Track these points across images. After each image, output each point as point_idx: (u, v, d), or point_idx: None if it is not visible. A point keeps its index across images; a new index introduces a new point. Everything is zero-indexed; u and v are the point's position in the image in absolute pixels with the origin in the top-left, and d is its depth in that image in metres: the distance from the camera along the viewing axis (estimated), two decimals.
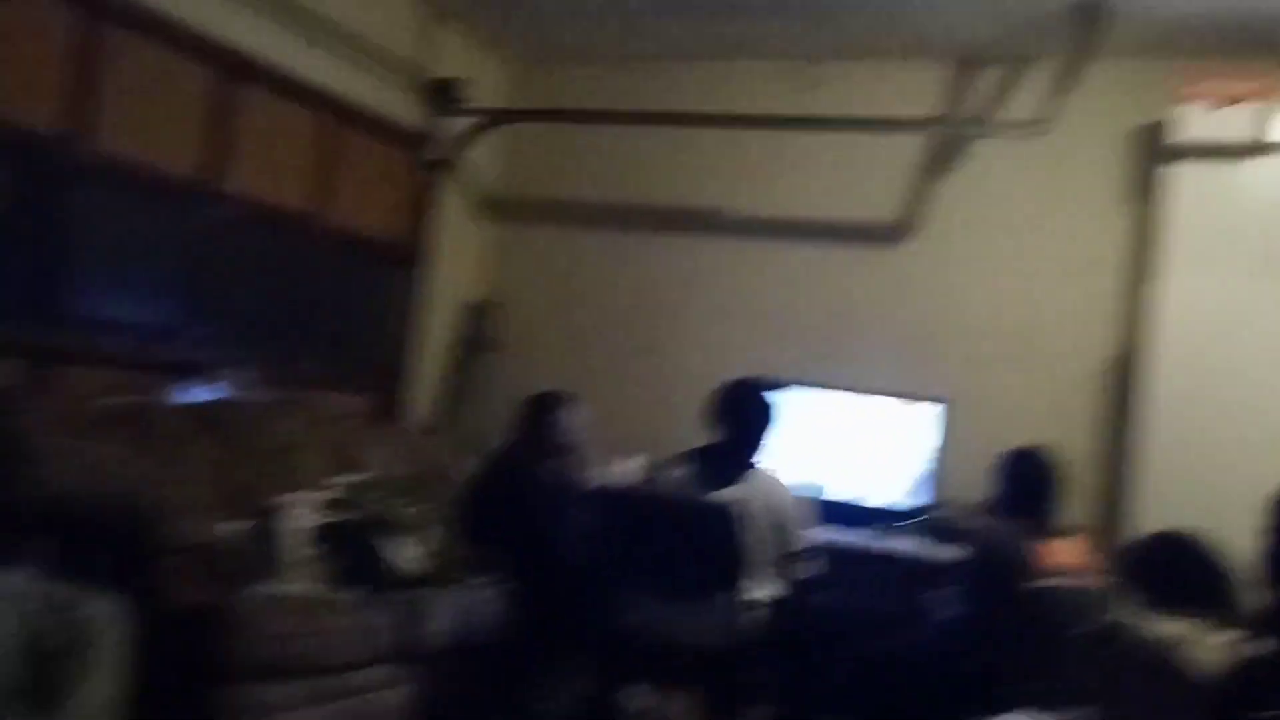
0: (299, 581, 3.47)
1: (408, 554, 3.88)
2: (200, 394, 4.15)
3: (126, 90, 3.96)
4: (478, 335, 5.79)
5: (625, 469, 4.70)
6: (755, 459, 3.83)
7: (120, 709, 2.46)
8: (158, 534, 3.00)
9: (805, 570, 3.82)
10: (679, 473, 3.86)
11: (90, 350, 3.92)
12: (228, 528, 3.38)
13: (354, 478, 4.15)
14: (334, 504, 3.91)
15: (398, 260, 5.40)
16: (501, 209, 5.95)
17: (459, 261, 5.75)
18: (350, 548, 3.70)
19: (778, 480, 3.83)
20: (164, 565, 3.00)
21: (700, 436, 3.98)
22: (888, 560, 4.44)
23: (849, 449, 4.92)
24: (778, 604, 3.77)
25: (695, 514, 3.69)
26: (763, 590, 3.74)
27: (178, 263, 4.29)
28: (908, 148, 5.22)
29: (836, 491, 4.81)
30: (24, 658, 2.31)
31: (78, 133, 3.82)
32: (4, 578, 2.45)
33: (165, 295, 4.27)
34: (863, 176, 5.35)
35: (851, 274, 5.34)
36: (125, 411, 3.72)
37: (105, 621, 2.43)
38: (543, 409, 4.32)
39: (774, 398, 3.91)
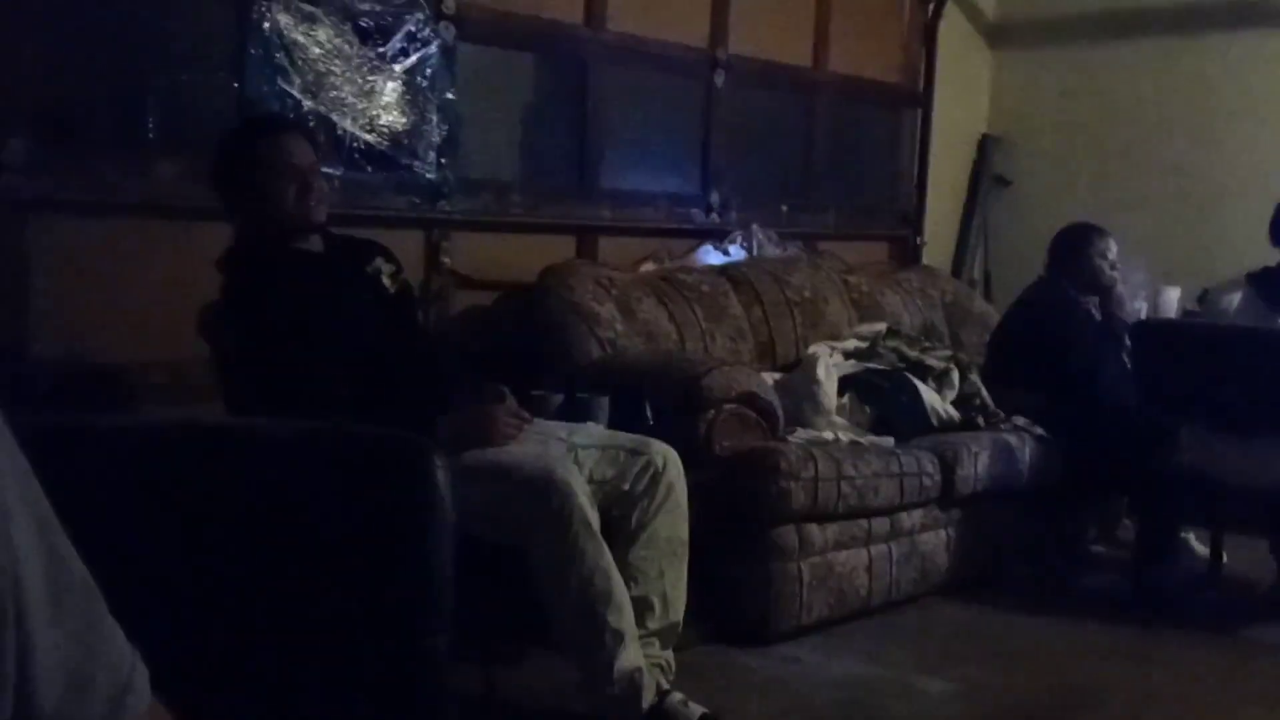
0: (834, 427, 3.56)
1: (937, 399, 3.86)
2: (725, 254, 4.33)
3: None
4: (988, 171, 5.55)
5: (1167, 301, 4.33)
6: None
7: (683, 546, 2.65)
8: (702, 387, 3.17)
9: None
10: (1235, 299, 3.49)
11: (622, 222, 4.19)
12: (763, 378, 3.51)
13: (878, 325, 4.17)
14: (861, 352, 3.96)
15: (902, 101, 5.26)
16: (1005, 35, 5.60)
17: (964, 96, 5.51)
18: (880, 394, 3.73)
19: None
20: (709, 416, 3.18)
21: (1253, 257, 3.57)
22: None
23: None
24: None
25: (1270, 342, 3.31)
26: None
27: (691, 131, 4.45)
28: None
29: None
30: (606, 497, 2.55)
31: (592, 18, 4.04)
32: (584, 428, 2.71)
33: (683, 164, 4.46)
34: None
35: None
36: (661, 276, 3.96)
37: (668, 466, 2.62)
38: (1074, 244, 4.07)
39: None
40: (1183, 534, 3.97)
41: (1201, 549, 3.92)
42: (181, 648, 1.14)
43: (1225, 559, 3.86)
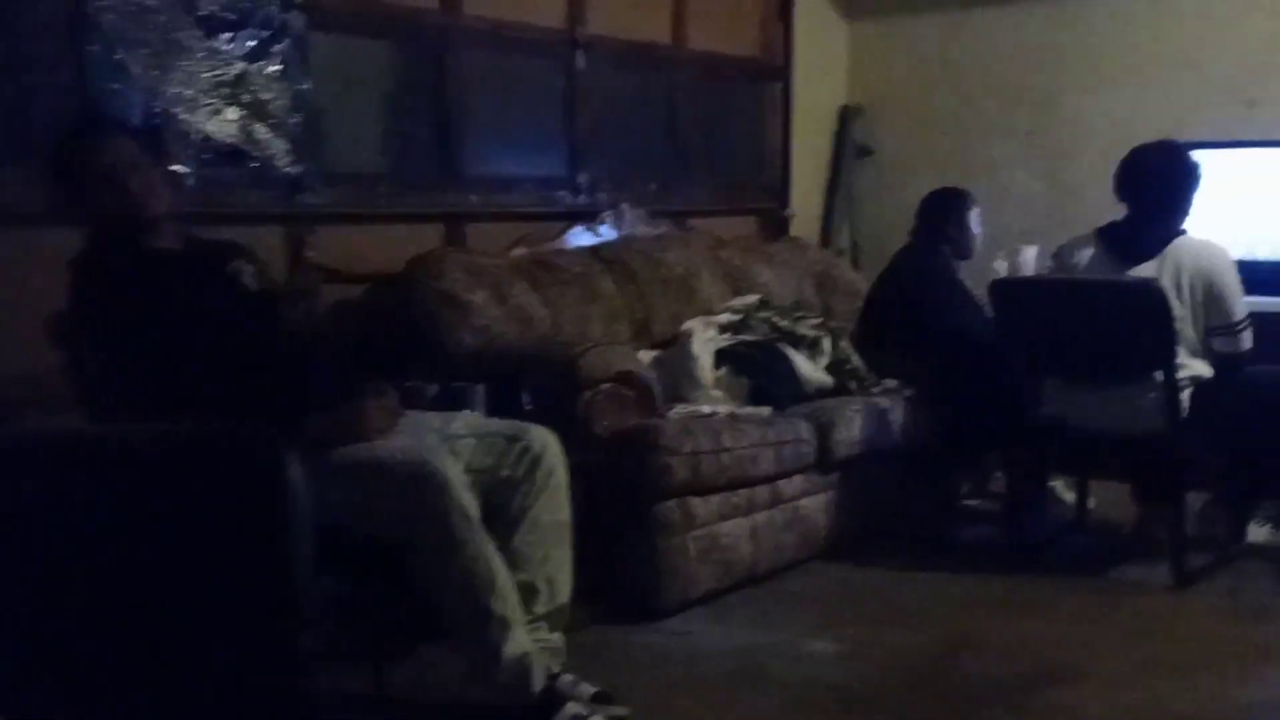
0: (711, 401, 3.60)
1: (810, 367, 3.93)
2: (596, 235, 4.33)
3: None
4: (850, 141, 5.65)
5: (1024, 259, 4.48)
6: (1177, 228, 3.52)
7: (566, 528, 2.66)
8: (579, 369, 3.18)
9: (1242, 343, 3.50)
10: (1086, 254, 3.62)
11: (490, 208, 4.16)
12: (640, 356, 3.53)
13: (750, 298, 4.23)
14: (734, 325, 4.00)
15: (763, 76, 5.32)
16: (859, 6, 5.69)
17: (823, 69, 5.59)
18: (755, 365, 3.79)
19: (1209, 247, 3.49)
20: (588, 397, 3.19)
21: (1104, 214, 3.71)
22: None
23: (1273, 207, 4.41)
24: (1212, 382, 3.49)
25: (1116, 294, 3.44)
26: (1193, 368, 3.47)
27: (556, 113, 4.44)
28: None
29: (1262, 254, 4.35)
30: (486, 485, 2.54)
31: (448, 2, 3.99)
32: (460, 417, 2.69)
33: (549, 146, 4.44)
34: None
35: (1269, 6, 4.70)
36: (532, 261, 3.94)
37: (546, 450, 2.62)
38: (942, 208, 4.19)
39: (1189, 160, 3.56)
40: (1050, 483, 4.12)
41: (1069, 496, 4.08)
42: (50, 653, 1.11)
43: (1091, 504, 4.02)
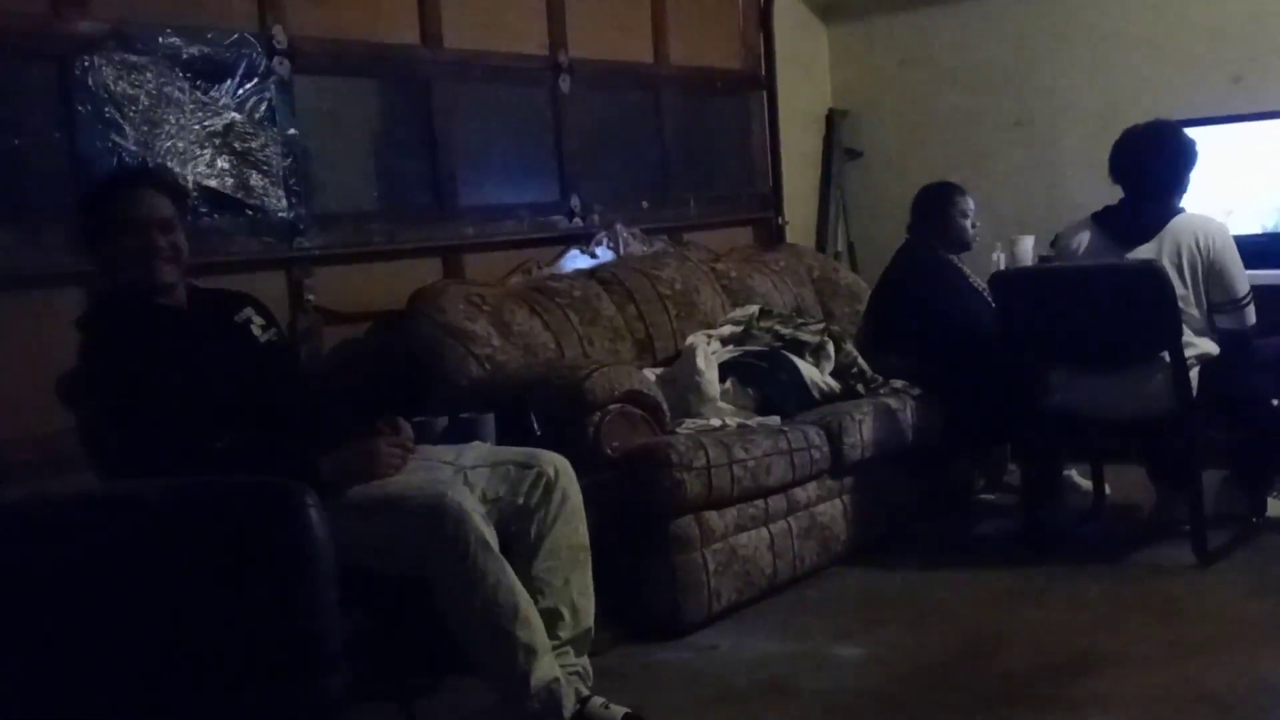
0: (720, 414, 3.60)
1: (815, 372, 3.92)
2: (592, 257, 4.34)
3: None
4: (838, 145, 5.66)
5: (1022, 249, 4.48)
6: (1174, 207, 3.52)
7: (584, 552, 2.65)
8: (585, 391, 3.18)
9: (1247, 318, 3.49)
10: (1084, 239, 3.62)
11: (485, 237, 4.16)
12: (645, 374, 3.53)
13: (750, 309, 4.23)
14: (737, 337, 4.01)
15: (746, 86, 5.33)
16: (837, 10, 5.71)
17: (806, 74, 5.61)
18: (761, 375, 3.78)
19: (1208, 223, 3.49)
20: (596, 419, 3.19)
21: (1098, 199, 3.71)
22: None
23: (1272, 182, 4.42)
24: (1219, 359, 3.49)
25: (1117, 277, 3.44)
26: (1199, 347, 3.47)
27: (544, 139, 4.44)
28: None
29: (1257, 228, 4.37)
30: (501, 514, 2.54)
31: (429, 37, 4.00)
32: (471, 448, 2.69)
33: (539, 172, 4.45)
34: None
35: None
36: (531, 287, 3.95)
37: (559, 475, 2.62)
38: (936, 202, 4.20)
39: (1183, 138, 3.56)
40: (1065, 471, 4.11)
41: (1085, 483, 4.07)
42: (74, 711, 1.11)
43: (1108, 490, 4.01)
